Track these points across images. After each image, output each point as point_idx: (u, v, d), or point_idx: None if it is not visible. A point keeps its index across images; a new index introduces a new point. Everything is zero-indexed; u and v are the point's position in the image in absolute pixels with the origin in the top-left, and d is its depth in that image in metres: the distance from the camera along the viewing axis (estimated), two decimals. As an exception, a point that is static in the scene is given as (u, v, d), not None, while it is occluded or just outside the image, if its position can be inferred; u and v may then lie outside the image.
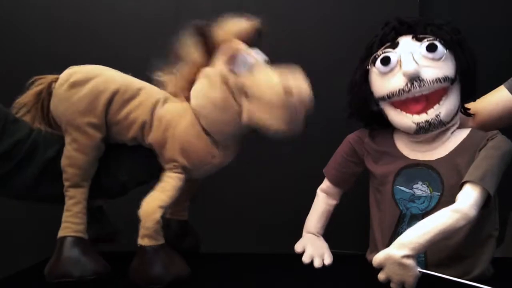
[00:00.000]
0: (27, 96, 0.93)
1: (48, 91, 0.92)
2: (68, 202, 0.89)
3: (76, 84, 0.89)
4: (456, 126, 0.94)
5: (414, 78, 0.87)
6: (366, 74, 0.95)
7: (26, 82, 0.94)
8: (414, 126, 0.90)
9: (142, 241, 0.85)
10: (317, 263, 0.96)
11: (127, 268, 0.87)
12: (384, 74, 0.91)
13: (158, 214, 0.85)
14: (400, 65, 0.89)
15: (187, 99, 0.90)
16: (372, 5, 1.31)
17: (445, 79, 0.88)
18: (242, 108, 0.85)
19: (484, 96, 1.01)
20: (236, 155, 0.95)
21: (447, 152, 0.92)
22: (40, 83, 0.93)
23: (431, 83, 0.87)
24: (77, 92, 0.88)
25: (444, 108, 0.89)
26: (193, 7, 1.31)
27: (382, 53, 0.92)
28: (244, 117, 0.85)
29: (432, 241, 0.78)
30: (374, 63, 0.93)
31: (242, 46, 0.87)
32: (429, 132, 0.90)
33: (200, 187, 1.05)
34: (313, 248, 1.00)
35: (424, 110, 0.89)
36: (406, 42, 0.91)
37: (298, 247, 1.01)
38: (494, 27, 1.30)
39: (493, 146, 0.88)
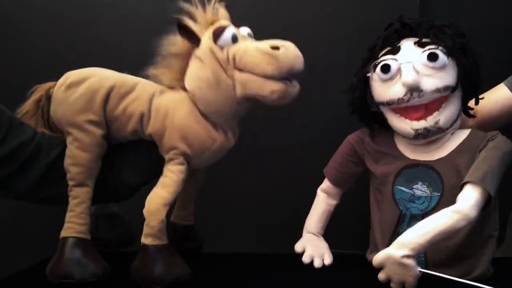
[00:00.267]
0: (28, 105, 0.95)
1: (47, 97, 0.94)
2: (72, 202, 0.89)
3: (73, 85, 0.90)
4: (456, 128, 0.94)
5: (413, 89, 0.87)
6: (367, 78, 0.95)
7: (26, 85, 0.96)
8: (412, 132, 0.90)
9: (146, 240, 0.85)
10: (317, 263, 0.96)
11: (128, 269, 0.87)
12: (384, 81, 0.91)
13: (162, 213, 0.85)
14: (400, 74, 0.89)
15: (183, 89, 0.91)
16: (372, 5, 1.31)
17: (446, 88, 0.88)
18: (235, 81, 0.85)
19: (483, 94, 1.01)
20: (235, 155, 0.95)
21: (447, 153, 0.92)
22: (38, 90, 0.95)
23: (431, 93, 0.87)
24: (74, 93, 0.90)
25: (443, 115, 0.89)
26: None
27: (383, 59, 0.91)
28: (238, 89, 0.85)
29: (432, 242, 0.77)
30: (374, 69, 0.92)
31: (227, 22, 0.88)
32: (428, 138, 0.90)
33: (203, 185, 1.05)
34: (313, 248, 0.99)
35: (423, 117, 0.89)
36: (407, 47, 0.90)
37: (298, 247, 1.01)
38: (494, 27, 1.30)
39: (493, 146, 0.87)
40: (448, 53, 0.88)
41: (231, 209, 1.33)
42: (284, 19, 1.30)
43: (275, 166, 1.32)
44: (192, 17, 0.88)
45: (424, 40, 0.90)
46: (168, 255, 0.86)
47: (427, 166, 0.92)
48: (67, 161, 0.90)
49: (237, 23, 0.90)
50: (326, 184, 1.07)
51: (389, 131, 0.98)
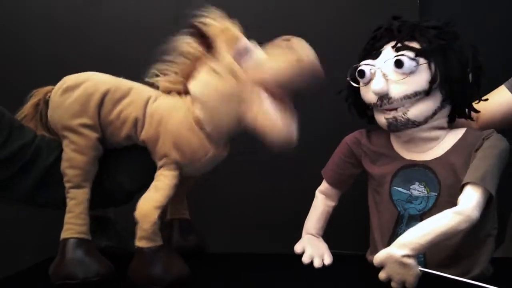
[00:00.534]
0: (26, 109, 0.96)
1: (45, 101, 0.95)
2: (70, 203, 0.89)
3: (68, 89, 0.91)
4: (444, 126, 0.93)
5: (382, 96, 0.89)
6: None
7: (25, 89, 0.96)
8: (384, 121, 0.91)
9: (140, 243, 0.85)
10: (317, 263, 0.96)
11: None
12: (364, 84, 0.93)
13: (154, 216, 0.84)
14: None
15: (180, 93, 0.90)
16: (372, 5, 1.31)
17: (416, 94, 0.88)
18: (250, 110, 0.85)
19: (484, 98, 1.01)
20: (235, 156, 0.95)
21: (443, 152, 0.92)
22: (36, 94, 0.96)
23: (399, 100, 0.88)
24: (69, 97, 0.90)
25: (413, 108, 0.89)
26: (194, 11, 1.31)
27: (361, 63, 0.92)
28: (249, 118, 0.85)
29: (432, 242, 0.77)
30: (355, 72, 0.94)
31: (242, 35, 0.88)
32: (401, 129, 0.91)
33: (195, 183, 1.05)
34: (313, 249, 0.99)
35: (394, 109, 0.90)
36: (387, 52, 0.91)
37: (297, 248, 1.01)
38: (494, 27, 1.30)
39: (490, 145, 0.87)
40: (423, 56, 0.88)
41: (231, 209, 1.33)
42: (284, 19, 1.30)
43: (275, 167, 1.32)
44: (205, 23, 0.87)
45: (399, 44, 0.90)
46: (165, 256, 0.86)
47: (423, 166, 0.92)
48: (63, 164, 0.90)
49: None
50: (324, 185, 1.07)
51: (386, 131, 0.98)
